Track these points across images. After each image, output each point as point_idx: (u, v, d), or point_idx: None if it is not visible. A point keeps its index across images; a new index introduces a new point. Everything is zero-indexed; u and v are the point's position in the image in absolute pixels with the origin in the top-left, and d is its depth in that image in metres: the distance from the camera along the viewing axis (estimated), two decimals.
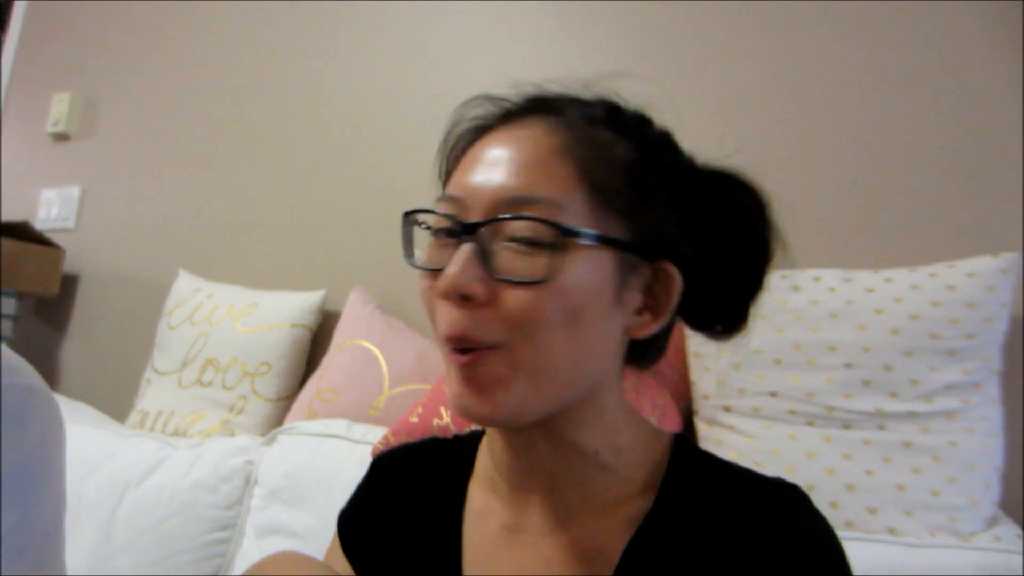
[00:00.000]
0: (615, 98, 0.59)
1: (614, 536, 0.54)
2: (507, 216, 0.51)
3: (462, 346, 0.50)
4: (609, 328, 0.54)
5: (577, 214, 0.51)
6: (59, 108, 2.31)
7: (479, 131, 0.58)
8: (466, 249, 0.50)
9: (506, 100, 0.59)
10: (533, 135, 0.54)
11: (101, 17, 2.34)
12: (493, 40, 1.64)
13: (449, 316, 0.50)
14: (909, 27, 1.22)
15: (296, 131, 1.86)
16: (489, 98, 0.60)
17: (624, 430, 0.58)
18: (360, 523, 0.68)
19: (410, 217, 0.57)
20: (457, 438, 0.70)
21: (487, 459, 0.63)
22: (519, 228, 0.50)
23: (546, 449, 0.56)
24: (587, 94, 0.59)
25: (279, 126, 1.89)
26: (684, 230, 0.56)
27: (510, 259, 0.50)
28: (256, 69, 1.97)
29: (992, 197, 1.11)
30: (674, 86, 1.36)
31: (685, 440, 0.60)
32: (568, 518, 0.56)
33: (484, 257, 0.50)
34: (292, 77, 1.90)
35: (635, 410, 0.61)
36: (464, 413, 0.52)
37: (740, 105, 1.33)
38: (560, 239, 0.50)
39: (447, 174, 0.60)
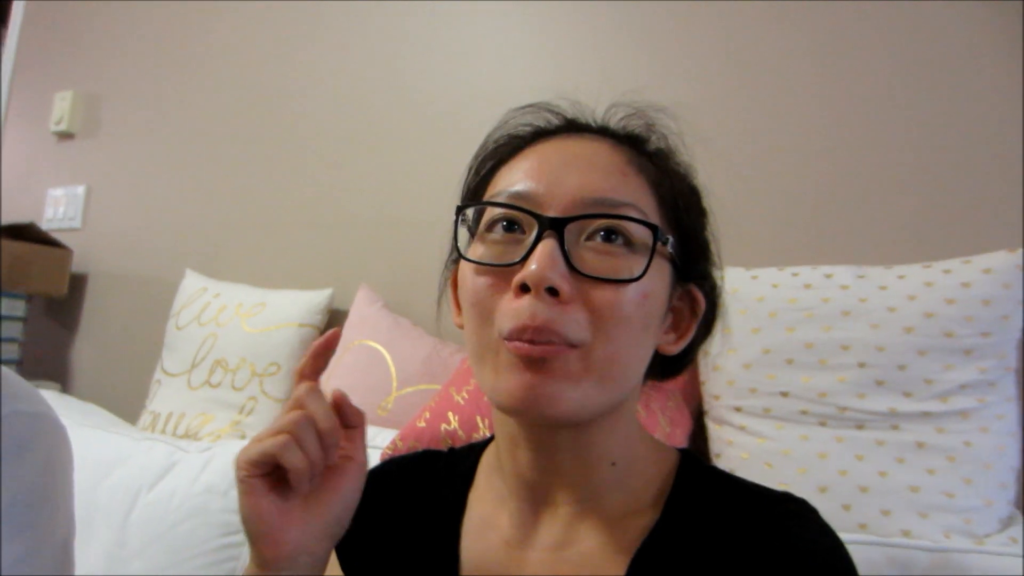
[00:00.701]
0: (647, 131, 0.60)
1: (621, 550, 0.54)
2: (603, 215, 0.51)
3: (543, 338, 0.48)
4: (654, 339, 0.55)
5: (656, 221, 0.53)
6: (61, 106, 2.31)
7: (537, 136, 0.58)
8: (550, 244, 0.49)
9: (563, 112, 0.60)
10: (602, 147, 0.55)
11: (101, 14, 2.33)
12: (500, 42, 1.61)
13: (527, 308, 0.48)
14: (917, 21, 1.18)
15: (302, 129, 1.85)
16: (546, 108, 0.60)
17: (637, 442, 0.59)
18: (356, 538, 0.68)
19: (465, 212, 0.57)
20: (452, 451, 0.69)
21: (492, 472, 0.63)
22: (607, 227, 0.51)
23: (571, 457, 0.56)
24: (626, 123, 0.60)
25: (285, 124, 1.88)
26: (704, 255, 0.58)
27: (594, 257, 0.51)
28: (262, 66, 1.95)
29: (1007, 191, 1.08)
30: (689, 87, 1.35)
31: (691, 455, 0.61)
32: (577, 533, 0.56)
33: (568, 253, 0.50)
34: (299, 75, 1.88)
35: (642, 425, 0.61)
36: (527, 407, 0.50)
37: (754, 104, 1.30)
38: (650, 242, 0.51)
39: (490, 171, 0.59)
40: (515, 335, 0.49)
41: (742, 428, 1.07)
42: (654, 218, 0.53)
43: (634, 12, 1.44)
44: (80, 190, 2.24)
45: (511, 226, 0.53)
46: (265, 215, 1.86)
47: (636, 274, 0.50)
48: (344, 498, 0.54)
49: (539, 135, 0.58)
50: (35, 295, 2.08)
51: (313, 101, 1.84)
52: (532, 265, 0.48)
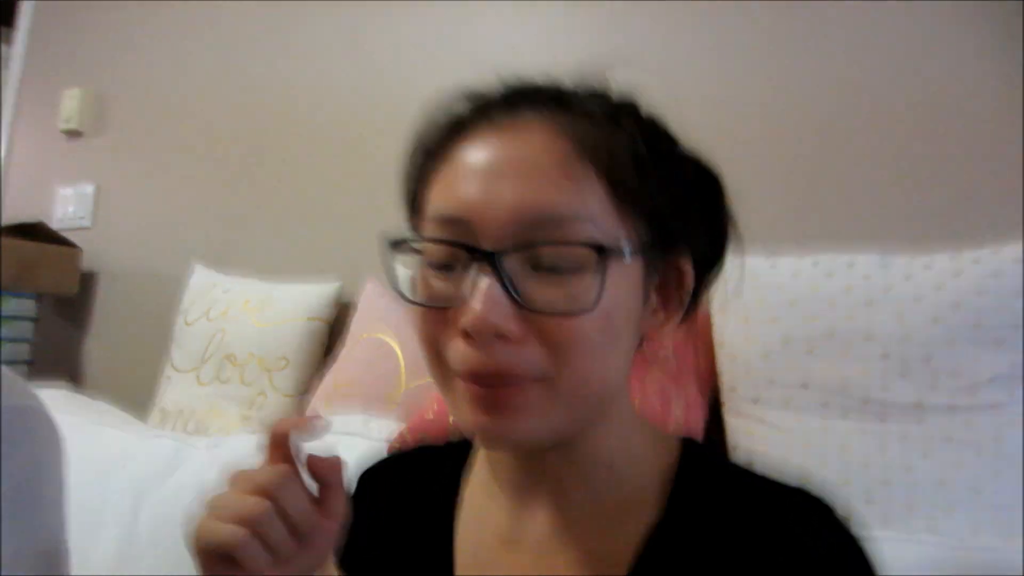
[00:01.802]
0: (605, 84, 0.53)
1: (622, 548, 0.51)
2: (542, 242, 0.45)
3: (503, 382, 0.45)
4: (634, 336, 0.51)
5: (608, 225, 0.47)
6: (70, 104, 2.29)
7: (456, 129, 0.52)
8: (490, 281, 0.45)
9: (487, 95, 0.53)
10: (541, 138, 0.48)
11: (109, 12, 2.32)
12: (504, 31, 1.60)
13: (475, 354, 0.45)
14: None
15: (309, 124, 1.84)
16: (469, 96, 0.54)
17: (634, 437, 0.55)
18: (351, 538, 0.66)
19: (397, 246, 0.51)
20: (449, 444, 0.66)
21: (484, 467, 0.60)
22: (551, 252, 0.45)
23: (555, 458, 0.53)
24: (577, 82, 0.53)
25: (292, 119, 1.87)
26: (684, 220, 0.52)
27: (542, 286, 0.45)
28: (268, 62, 1.94)
29: None
30: (706, 71, 1.31)
31: (694, 444, 0.56)
32: (572, 529, 0.53)
33: (512, 288, 0.45)
34: (303, 69, 1.87)
35: (638, 413, 0.57)
36: (492, 443, 0.48)
37: (774, 89, 1.27)
38: (601, 262, 0.45)
39: (419, 184, 0.54)
40: (467, 378, 0.46)
41: (761, 420, 1.04)
42: (610, 217, 0.47)
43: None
44: (89, 188, 2.23)
45: (448, 256, 0.48)
46: (273, 209, 1.86)
47: (591, 301, 0.45)
48: (320, 552, 0.48)
49: (458, 130, 0.52)
50: (45, 294, 2.08)
51: (319, 96, 1.83)
52: (474, 308, 0.44)
